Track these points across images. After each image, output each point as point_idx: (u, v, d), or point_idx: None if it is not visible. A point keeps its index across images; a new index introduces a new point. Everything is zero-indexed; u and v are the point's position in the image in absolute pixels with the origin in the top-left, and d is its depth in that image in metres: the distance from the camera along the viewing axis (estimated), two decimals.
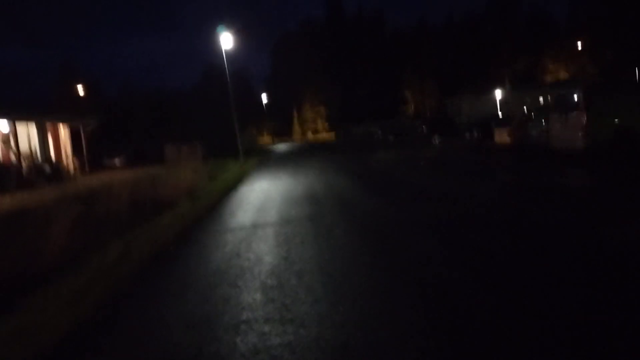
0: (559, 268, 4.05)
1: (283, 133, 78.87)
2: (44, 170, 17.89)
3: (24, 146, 17.88)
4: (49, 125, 20.86)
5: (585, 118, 12.51)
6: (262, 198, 11.04)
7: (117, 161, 30.08)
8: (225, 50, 22.81)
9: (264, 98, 71.73)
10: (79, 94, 46.52)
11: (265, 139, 73.09)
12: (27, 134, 18.34)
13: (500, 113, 38.22)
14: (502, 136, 17.58)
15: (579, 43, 58.62)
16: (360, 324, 3.22)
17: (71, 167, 21.68)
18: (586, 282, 3.64)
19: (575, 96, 13.19)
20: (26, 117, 18.00)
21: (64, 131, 22.23)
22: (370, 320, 3.29)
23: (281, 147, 50.46)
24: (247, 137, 44.01)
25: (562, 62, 66.52)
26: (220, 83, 24.86)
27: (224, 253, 5.91)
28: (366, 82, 75.09)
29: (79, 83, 47.45)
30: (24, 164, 17.34)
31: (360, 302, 3.68)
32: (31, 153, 18.19)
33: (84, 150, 23.02)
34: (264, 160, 26.65)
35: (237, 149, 24.98)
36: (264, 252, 5.68)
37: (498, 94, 40.15)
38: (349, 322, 3.27)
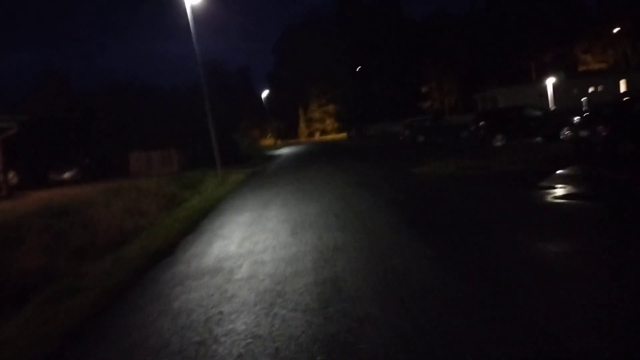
0: None
1: (288, 134, 72.01)
2: None
3: None
4: None
5: None
6: (200, 329, 3.91)
7: (67, 175, 23.18)
8: (190, 6, 15.83)
9: (267, 97, 64.64)
10: (53, 97, 40.03)
11: (269, 140, 65.96)
12: None
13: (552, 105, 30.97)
14: None
15: (616, 29, 52.74)
16: None
17: None
18: None
19: None
20: None
21: None
22: None
23: (284, 151, 43.01)
24: (244, 141, 36.94)
25: (596, 50, 60.34)
26: (211, 83, 17.80)
27: None
28: (381, 77, 67.55)
29: (53, 85, 41.16)
30: None
31: None
32: None
33: None
34: (255, 173, 19.54)
35: (225, 158, 18.11)
36: None
37: (549, 83, 32.67)
38: None
